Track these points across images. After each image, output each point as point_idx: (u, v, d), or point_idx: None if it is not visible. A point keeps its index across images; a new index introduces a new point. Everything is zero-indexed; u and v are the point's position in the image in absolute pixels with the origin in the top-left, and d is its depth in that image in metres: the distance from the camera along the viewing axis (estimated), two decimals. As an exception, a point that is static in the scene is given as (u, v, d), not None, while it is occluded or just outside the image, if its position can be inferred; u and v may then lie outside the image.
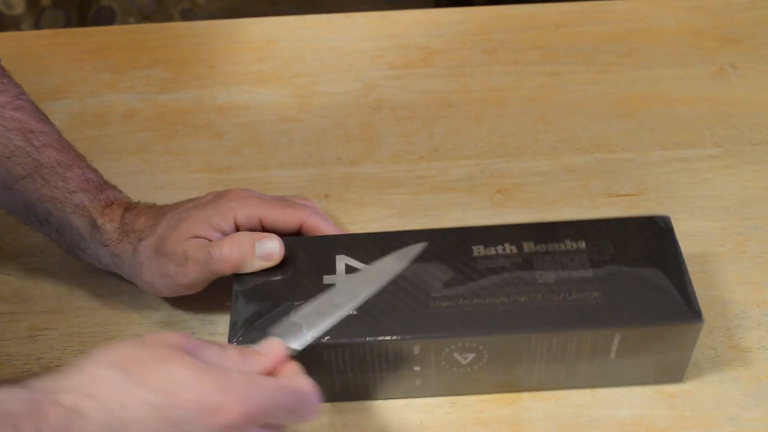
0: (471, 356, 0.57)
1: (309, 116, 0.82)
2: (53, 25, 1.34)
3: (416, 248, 0.60)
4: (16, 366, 0.64)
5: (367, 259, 0.60)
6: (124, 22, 1.29)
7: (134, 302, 0.67)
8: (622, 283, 0.58)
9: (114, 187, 0.68)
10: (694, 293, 0.58)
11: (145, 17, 1.24)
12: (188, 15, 1.33)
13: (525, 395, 0.61)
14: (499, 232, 0.61)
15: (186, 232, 0.62)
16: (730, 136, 0.79)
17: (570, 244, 0.60)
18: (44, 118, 0.67)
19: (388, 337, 0.56)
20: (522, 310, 0.57)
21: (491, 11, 0.93)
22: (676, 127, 0.80)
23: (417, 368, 0.58)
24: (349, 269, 0.60)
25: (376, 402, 0.61)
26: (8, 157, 0.63)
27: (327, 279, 0.59)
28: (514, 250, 0.60)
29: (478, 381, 0.60)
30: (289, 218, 0.63)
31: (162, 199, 0.74)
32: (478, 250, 0.60)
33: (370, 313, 0.57)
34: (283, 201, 0.65)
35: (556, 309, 0.57)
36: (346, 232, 0.67)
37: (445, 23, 0.92)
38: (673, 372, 0.61)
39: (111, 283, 0.69)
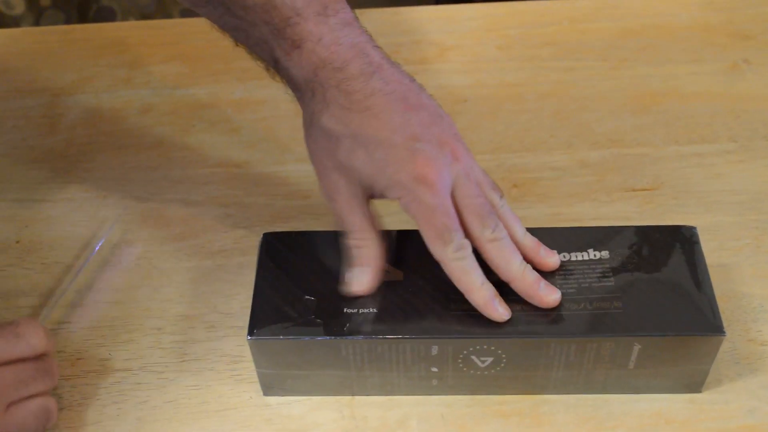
0: (489, 360, 0.57)
1: (325, 111, 0.82)
2: (53, 25, 1.34)
3: None
4: (36, 359, 0.64)
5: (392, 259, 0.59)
6: (124, 21, 1.29)
7: (153, 296, 0.68)
8: (643, 293, 0.58)
9: (320, 16, 0.57)
10: (716, 306, 0.57)
11: (145, 17, 1.24)
12: (188, 15, 1.33)
13: (544, 388, 0.61)
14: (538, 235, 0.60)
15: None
16: (744, 131, 0.79)
17: (593, 254, 0.60)
18: None
19: (407, 336, 0.56)
20: (542, 316, 0.57)
21: (505, 7, 0.93)
22: (690, 123, 0.80)
23: (434, 369, 0.58)
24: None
25: (396, 396, 0.61)
26: None
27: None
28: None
29: (496, 384, 0.60)
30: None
31: (180, 194, 0.75)
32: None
33: (389, 311, 0.57)
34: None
35: (576, 317, 0.57)
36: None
37: (459, 19, 0.92)
38: (691, 384, 0.60)
39: (130, 276, 0.69)
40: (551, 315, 0.57)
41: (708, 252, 0.69)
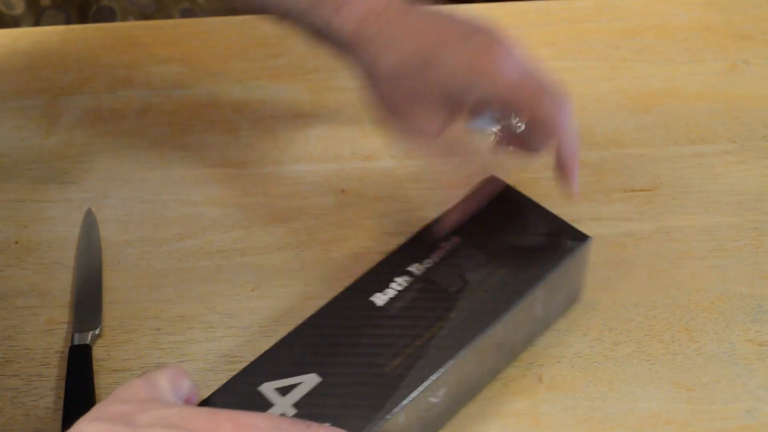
0: (443, 390, 0.56)
1: (324, 111, 0.82)
2: (53, 25, 1.34)
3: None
4: (35, 360, 0.64)
5: (292, 372, 0.54)
6: (124, 21, 1.30)
7: (152, 296, 0.68)
8: (511, 249, 0.61)
9: None
10: (566, 222, 0.62)
11: (145, 17, 1.24)
12: (188, 14, 1.33)
13: (542, 388, 0.61)
14: (384, 272, 0.60)
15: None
16: (743, 131, 0.79)
17: (446, 245, 0.61)
18: None
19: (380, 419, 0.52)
20: (462, 321, 0.57)
21: (504, 7, 0.93)
22: (689, 123, 0.80)
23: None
24: (285, 390, 0.54)
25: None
26: None
27: (271, 412, 0.53)
28: (408, 279, 0.59)
29: (448, 410, 0.59)
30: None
31: (179, 194, 0.75)
32: (379, 299, 0.58)
33: (335, 405, 0.53)
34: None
35: (486, 301, 0.58)
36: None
37: (458, 19, 0.92)
38: (575, 295, 0.65)
39: (129, 275, 0.69)
40: (467, 314, 0.57)
41: (707, 252, 0.69)
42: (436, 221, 0.62)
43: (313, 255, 0.70)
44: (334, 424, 0.50)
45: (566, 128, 0.57)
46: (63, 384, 0.62)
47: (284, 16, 0.62)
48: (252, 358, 0.56)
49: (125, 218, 0.73)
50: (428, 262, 0.60)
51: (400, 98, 0.59)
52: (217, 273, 0.69)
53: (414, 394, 0.53)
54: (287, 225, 0.72)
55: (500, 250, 0.61)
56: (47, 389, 0.62)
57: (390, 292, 0.58)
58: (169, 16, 1.28)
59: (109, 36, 0.91)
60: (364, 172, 0.76)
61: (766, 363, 0.62)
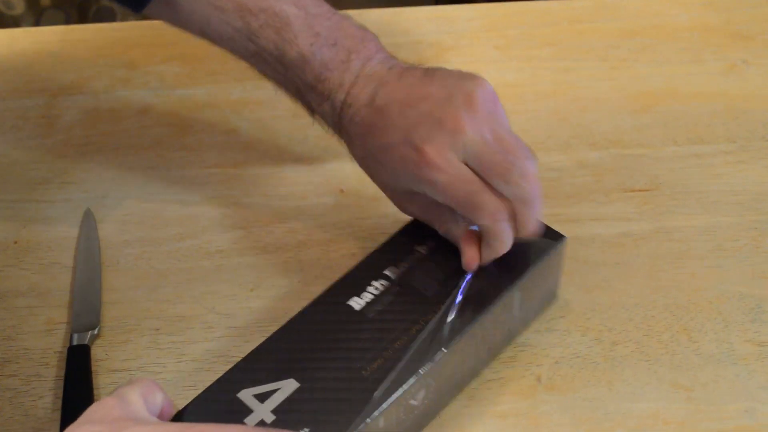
0: (422, 392, 0.56)
1: (323, 112, 0.82)
2: (53, 25, 1.35)
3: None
4: (34, 360, 0.64)
5: (270, 378, 0.54)
6: (124, 21, 1.30)
7: (151, 296, 0.68)
8: None
9: (344, 63, 0.61)
10: (541, 221, 0.59)
11: (145, 17, 1.25)
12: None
13: (541, 389, 0.61)
14: (360, 276, 0.59)
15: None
16: (743, 131, 0.79)
17: (422, 249, 0.61)
18: None
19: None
20: (440, 324, 0.57)
21: (504, 7, 0.93)
22: (689, 123, 0.80)
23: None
24: (263, 397, 0.53)
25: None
26: (230, 39, 0.62)
27: (251, 420, 0.52)
28: (385, 282, 0.59)
29: (429, 412, 0.59)
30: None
31: (178, 194, 0.75)
32: (356, 303, 0.58)
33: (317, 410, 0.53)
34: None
35: (463, 304, 0.58)
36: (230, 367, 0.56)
37: (458, 19, 0.92)
38: (553, 294, 0.65)
39: (128, 275, 0.69)
40: (445, 315, 0.57)
41: (707, 252, 0.69)
42: (411, 224, 0.63)
43: (312, 255, 0.70)
44: (313, 429, 0.51)
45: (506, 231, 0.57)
46: (62, 384, 0.62)
47: (285, 90, 0.65)
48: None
49: (124, 218, 0.73)
50: (404, 266, 0.60)
51: (379, 184, 0.63)
52: (216, 273, 0.69)
53: (393, 398, 0.53)
54: (286, 225, 0.72)
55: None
56: (46, 389, 0.62)
57: (367, 296, 0.58)
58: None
59: (109, 36, 0.91)
60: (363, 172, 0.76)
61: (765, 363, 0.62)
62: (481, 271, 0.59)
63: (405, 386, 0.54)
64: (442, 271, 0.60)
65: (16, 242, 0.72)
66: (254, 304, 0.67)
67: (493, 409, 0.60)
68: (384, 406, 0.53)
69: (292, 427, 0.51)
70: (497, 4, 0.93)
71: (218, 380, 0.54)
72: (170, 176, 0.77)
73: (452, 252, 0.60)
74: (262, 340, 0.57)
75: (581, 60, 0.87)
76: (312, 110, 0.64)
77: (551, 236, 0.61)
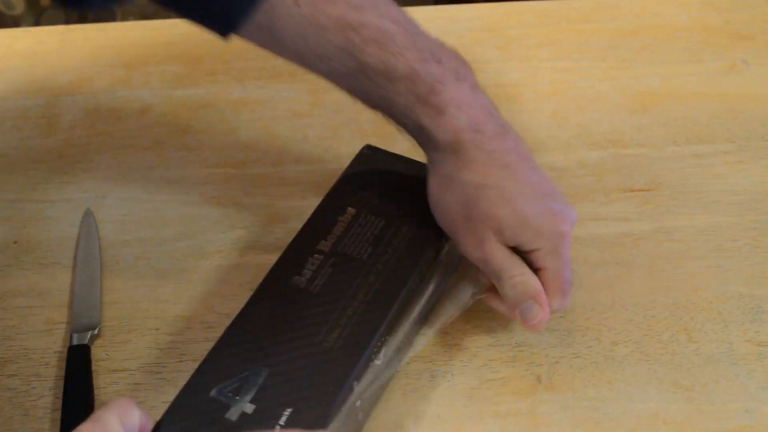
0: (383, 350, 0.58)
1: (323, 112, 0.82)
2: (53, 25, 1.35)
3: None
4: (34, 360, 0.64)
5: (238, 371, 0.55)
6: (124, 21, 1.30)
7: (151, 296, 0.68)
8: (406, 205, 0.64)
9: (457, 81, 0.60)
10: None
11: (145, 17, 1.25)
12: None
13: (541, 389, 0.61)
14: (295, 256, 0.61)
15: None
16: (742, 131, 0.79)
17: (344, 218, 0.64)
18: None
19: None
20: (383, 282, 0.59)
21: (504, 7, 0.93)
22: (689, 123, 0.80)
23: (358, 403, 0.56)
24: (237, 390, 0.54)
25: (392, 395, 0.61)
26: (328, 57, 0.60)
27: (232, 414, 0.52)
28: (319, 257, 0.61)
29: (388, 371, 0.59)
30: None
31: (178, 194, 0.75)
32: (298, 281, 0.60)
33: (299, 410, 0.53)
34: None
35: (400, 258, 0.61)
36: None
37: (458, 19, 0.92)
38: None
39: (128, 276, 0.69)
40: (386, 275, 0.60)
41: (706, 252, 0.69)
42: (327, 198, 0.65)
43: (312, 255, 0.70)
44: (295, 409, 0.52)
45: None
46: (62, 384, 0.62)
47: (385, 108, 0.62)
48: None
49: (124, 218, 0.73)
50: (332, 237, 0.62)
51: (461, 213, 0.61)
52: (216, 273, 0.69)
53: (361, 362, 0.55)
54: (287, 225, 0.72)
55: (396, 209, 0.64)
56: (46, 389, 0.62)
57: (307, 273, 0.60)
58: (168, 17, 1.29)
59: (109, 36, 0.91)
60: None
61: (765, 363, 0.62)
62: (408, 225, 0.63)
63: (369, 348, 0.56)
64: (370, 233, 0.62)
65: (16, 242, 0.72)
66: (254, 304, 0.67)
67: (493, 409, 0.60)
68: (355, 372, 0.54)
69: (275, 411, 0.52)
70: (497, 4, 0.93)
71: (186, 386, 0.54)
72: (170, 176, 0.77)
73: (373, 214, 0.64)
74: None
75: (581, 60, 0.87)
76: (420, 126, 0.61)
77: None
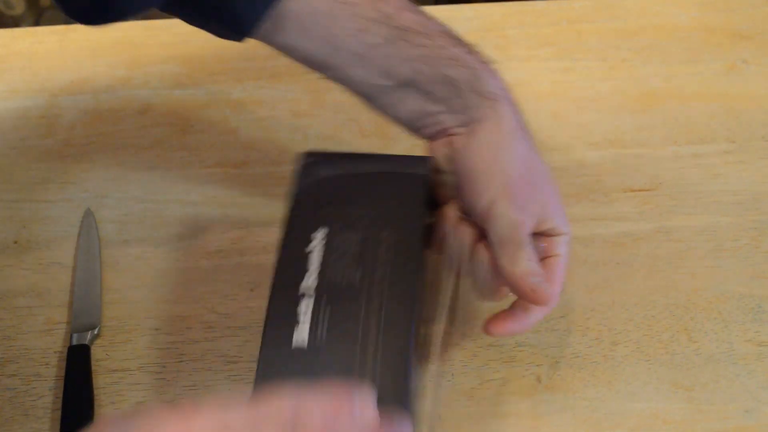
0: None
1: (323, 112, 0.82)
2: (53, 25, 1.35)
3: None
4: (34, 360, 0.64)
5: None
6: (123, 21, 1.31)
7: (151, 296, 0.68)
8: (376, 206, 0.57)
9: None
10: (400, 155, 0.60)
11: (145, 17, 1.25)
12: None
13: (541, 389, 0.61)
14: (282, 306, 0.53)
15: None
16: (743, 131, 0.79)
17: (317, 245, 0.56)
18: None
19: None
20: (393, 289, 0.54)
21: (504, 7, 0.93)
22: (689, 123, 0.80)
23: None
24: None
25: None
26: (361, 30, 0.58)
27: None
28: (310, 299, 0.53)
29: None
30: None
31: (178, 194, 0.75)
32: (299, 340, 0.51)
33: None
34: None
35: (397, 262, 0.55)
36: None
37: (457, 19, 0.91)
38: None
39: (128, 276, 0.69)
40: (391, 284, 0.54)
41: (706, 252, 0.69)
42: (288, 227, 0.58)
43: (312, 255, 0.70)
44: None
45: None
46: (62, 384, 0.62)
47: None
48: (251, 359, 0.55)
49: (124, 218, 0.73)
50: (313, 271, 0.54)
51: (520, 171, 0.58)
52: (216, 273, 0.69)
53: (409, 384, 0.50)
54: (286, 225, 0.72)
55: (369, 215, 0.57)
56: (46, 389, 0.62)
57: (305, 326, 0.52)
58: (169, 16, 1.29)
59: (109, 36, 0.91)
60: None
61: (765, 363, 0.62)
62: (388, 227, 0.56)
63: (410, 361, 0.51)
64: (352, 250, 0.55)
65: (16, 242, 0.72)
66: (254, 304, 0.67)
67: (493, 409, 0.60)
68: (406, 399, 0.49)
69: None
70: (497, 4, 0.93)
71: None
72: (170, 176, 0.77)
73: (348, 229, 0.56)
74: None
75: (581, 60, 0.87)
76: (474, 70, 0.59)
77: (417, 161, 0.60)
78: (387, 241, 0.56)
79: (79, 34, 0.92)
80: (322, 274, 0.54)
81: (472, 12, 0.92)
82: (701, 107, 0.81)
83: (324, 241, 0.56)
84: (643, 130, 0.79)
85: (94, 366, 0.63)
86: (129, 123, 0.82)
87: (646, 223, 0.72)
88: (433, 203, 0.61)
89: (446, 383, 0.62)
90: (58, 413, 0.60)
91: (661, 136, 0.79)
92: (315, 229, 0.56)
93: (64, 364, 0.63)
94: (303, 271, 0.54)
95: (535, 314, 0.58)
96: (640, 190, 0.74)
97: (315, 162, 0.61)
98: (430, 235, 0.60)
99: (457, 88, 0.59)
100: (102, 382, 0.63)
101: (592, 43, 0.88)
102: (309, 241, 0.56)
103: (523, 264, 0.56)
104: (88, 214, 0.73)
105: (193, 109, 0.83)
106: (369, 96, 0.61)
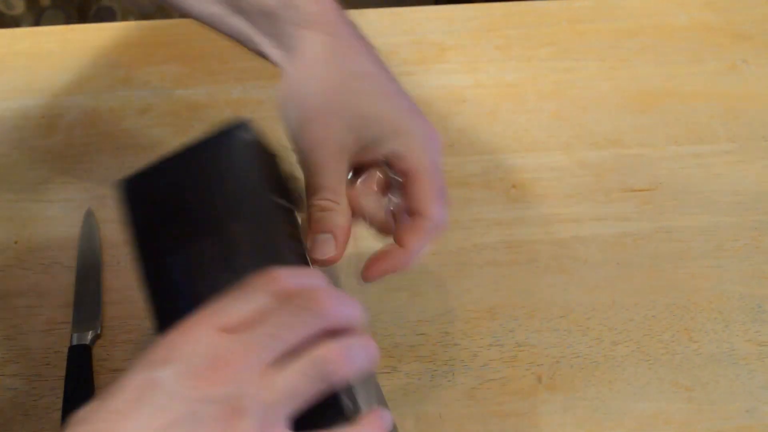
0: None
1: (323, 112, 0.82)
2: (53, 25, 1.35)
3: None
4: (35, 359, 0.64)
5: None
6: (124, 21, 1.31)
7: (152, 296, 0.68)
8: (216, 203, 0.51)
9: None
10: (211, 132, 0.54)
11: (145, 17, 1.25)
12: (188, 16, 1.34)
13: (542, 388, 0.61)
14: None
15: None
16: (743, 131, 0.79)
17: (176, 272, 0.50)
18: None
19: None
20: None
21: (504, 7, 0.93)
22: (689, 123, 0.80)
23: None
24: None
25: (392, 395, 0.61)
26: None
27: None
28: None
29: None
30: None
31: (178, 193, 0.75)
32: None
33: None
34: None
35: (256, 238, 0.49)
36: None
37: (458, 19, 0.92)
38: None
39: (129, 275, 0.69)
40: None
41: (707, 252, 0.69)
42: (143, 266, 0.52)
43: (313, 255, 0.70)
44: None
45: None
46: (63, 384, 0.62)
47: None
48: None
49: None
50: (192, 300, 0.45)
51: (320, 102, 0.55)
52: (216, 273, 0.69)
53: None
54: (287, 225, 0.72)
55: (212, 215, 0.50)
56: (47, 389, 0.62)
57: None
58: (168, 17, 1.29)
59: (109, 36, 0.91)
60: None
61: (766, 363, 0.62)
62: (239, 219, 0.50)
63: None
64: (215, 265, 0.49)
65: (16, 242, 0.72)
66: (255, 304, 0.67)
67: (493, 409, 0.60)
68: None
69: None
70: (497, 4, 0.93)
71: None
72: (171, 176, 0.77)
73: (197, 245, 0.50)
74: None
75: (581, 60, 0.87)
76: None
77: (233, 127, 0.55)
78: (239, 232, 0.49)
79: (79, 34, 0.92)
80: (196, 297, 0.45)
81: (473, 12, 0.93)
82: (701, 107, 0.81)
83: (180, 268, 0.50)
84: (643, 129, 0.79)
85: (95, 366, 0.63)
86: (129, 123, 0.82)
87: (646, 223, 0.72)
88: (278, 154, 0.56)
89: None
90: (59, 413, 0.60)
91: (661, 136, 0.79)
92: (164, 257, 0.50)
93: (65, 363, 0.63)
94: (176, 305, 0.48)
95: (406, 251, 0.54)
96: (640, 190, 0.74)
97: (134, 187, 0.53)
98: (290, 194, 0.55)
99: (273, 18, 0.56)
100: (103, 381, 0.63)
101: (593, 43, 0.88)
102: (164, 273, 0.50)
103: (313, 210, 0.53)
104: (90, 215, 0.73)
105: (193, 109, 0.83)
106: (212, 25, 0.60)
